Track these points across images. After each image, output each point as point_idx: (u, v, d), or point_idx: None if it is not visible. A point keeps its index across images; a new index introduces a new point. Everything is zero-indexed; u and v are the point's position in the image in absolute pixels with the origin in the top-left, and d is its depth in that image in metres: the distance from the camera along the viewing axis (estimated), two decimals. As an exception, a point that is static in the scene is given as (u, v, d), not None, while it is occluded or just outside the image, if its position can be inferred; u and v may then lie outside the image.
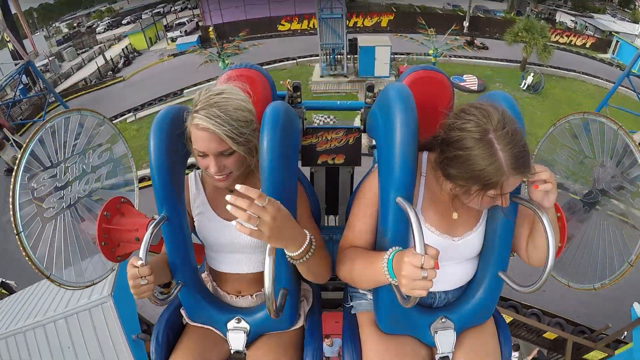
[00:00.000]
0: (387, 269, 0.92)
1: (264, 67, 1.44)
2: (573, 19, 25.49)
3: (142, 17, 28.48)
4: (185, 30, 25.72)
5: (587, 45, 22.14)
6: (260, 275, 1.24)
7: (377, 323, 1.18)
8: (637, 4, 25.22)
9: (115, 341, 4.43)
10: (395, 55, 17.71)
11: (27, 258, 1.29)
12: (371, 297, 1.24)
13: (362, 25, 24.32)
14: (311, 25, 22.78)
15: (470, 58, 18.96)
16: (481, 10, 25.21)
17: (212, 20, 24.89)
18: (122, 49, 23.90)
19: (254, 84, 1.29)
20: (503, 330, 1.25)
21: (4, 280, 7.78)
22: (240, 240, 1.20)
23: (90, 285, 1.47)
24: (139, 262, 0.98)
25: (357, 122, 1.75)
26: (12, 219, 1.27)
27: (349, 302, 1.32)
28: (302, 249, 0.95)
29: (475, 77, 17.02)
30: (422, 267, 0.80)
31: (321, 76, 17.20)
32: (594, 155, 1.50)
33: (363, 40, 17.29)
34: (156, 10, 29.89)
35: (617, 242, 1.47)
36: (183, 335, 1.26)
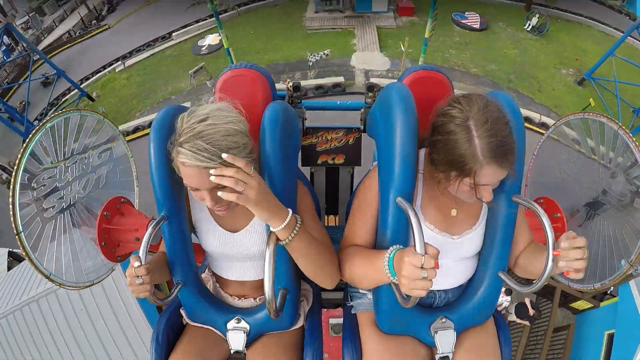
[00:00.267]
0: (388, 267, 0.92)
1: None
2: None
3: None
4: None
5: (596, -11, 20.67)
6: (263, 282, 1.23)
7: (377, 323, 1.18)
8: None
9: (126, 302, 4.66)
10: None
11: (27, 258, 1.29)
12: (371, 297, 1.24)
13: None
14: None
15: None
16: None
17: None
18: (105, -5, 21.99)
19: (254, 84, 1.29)
20: (503, 330, 1.25)
21: (11, 249, 7.74)
22: (244, 250, 1.19)
23: (90, 285, 1.47)
24: (136, 263, 0.98)
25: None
26: (12, 219, 1.27)
27: (349, 302, 1.32)
28: (286, 222, 0.93)
29: (477, 14, 15.61)
30: (422, 267, 0.80)
31: (316, 12, 15.76)
32: (594, 155, 1.50)
33: (359, -29, 15.64)
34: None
35: (617, 242, 1.48)
36: (183, 335, 1.26)
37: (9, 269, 6.65)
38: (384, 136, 1.09)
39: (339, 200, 1.93)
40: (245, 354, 1.23)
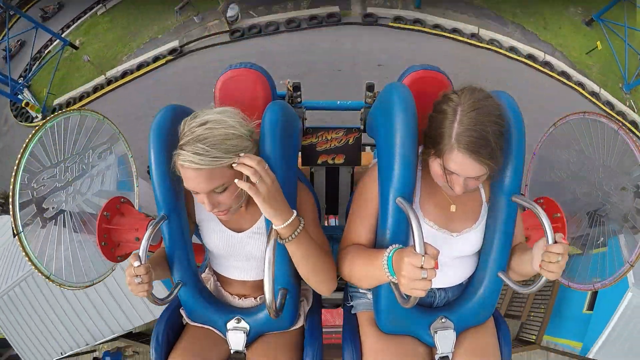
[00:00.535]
0: (387, 266, 0.92)
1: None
2: None
3: None
4: None
5: None
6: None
7: (377, 323, 1.18)
8: None
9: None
10: None
11: (27, 258, 1.29)
12: (371, 297, 1.24)
13: None
14: None
15: None
16: None
17: None
18: None
19: (254, 84, 1.29)
20: (503, 331, 1.25)
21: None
22: (247, 251, 1.19)
23: (90, 285, 1.47)
24: (135, 263, 0.99)
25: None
26: (12, 219, 1.28)
27: (349, 302, 1.32)
28: (289, 222, 0.95)
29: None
30: (422, 267, 0.80)
31: None
32: (594, 155, 1.50)
33: None
34: None
35: (617, 241, 1.48)
36: (183, 335, 1.26)
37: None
38: (384, 136, 1.09)
39: (339, 200, 1.93)
40: (245, 354, 1.23)
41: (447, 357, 1.16)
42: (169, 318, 1.26)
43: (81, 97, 8.26)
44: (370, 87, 1.60)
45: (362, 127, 1.64)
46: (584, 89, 7.51)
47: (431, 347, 1.19)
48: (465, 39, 8.22)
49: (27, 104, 8.12)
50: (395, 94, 1.05)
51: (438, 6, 8.46)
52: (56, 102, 8.40)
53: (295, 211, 0.99)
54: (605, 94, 7.51)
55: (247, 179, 0.92)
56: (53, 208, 1.37)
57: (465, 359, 1.15)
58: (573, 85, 7.51)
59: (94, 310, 5.10)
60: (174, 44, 8.75)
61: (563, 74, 7.69)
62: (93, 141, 1.52)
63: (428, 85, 1.25)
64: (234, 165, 0.94)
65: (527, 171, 1.74)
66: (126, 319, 5.15)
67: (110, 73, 8.59)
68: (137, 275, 0.98)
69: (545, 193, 1.61)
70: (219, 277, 1.31)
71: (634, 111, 7.52)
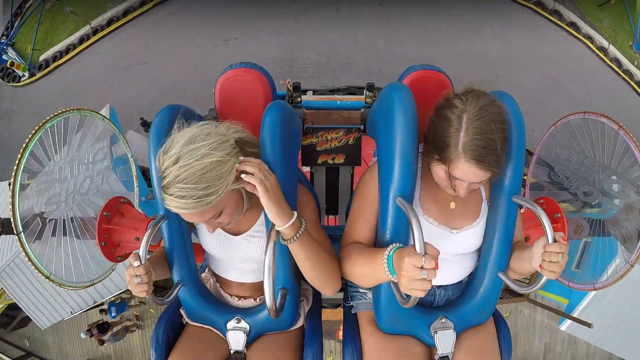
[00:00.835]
0: (387, 265, 0.91)
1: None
2: None
3: None
4: None
5: None
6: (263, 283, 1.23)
7: (377, 323, 1.18)
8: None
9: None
10: None
11: (27, 258, 1.29)
12: (371, 297, 1.24)
13: None
14: None
15: None
16: None
17: None
18: None
19: (254, 84, 1.29)
20: (503, 331, 1.25)
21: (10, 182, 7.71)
22: (244, 253, 1.19)
23: (90, 285, 1.47)
24: (135, 263, 0.99)
25: None
26: (12, 219, 1.28)
27: (349, 302, 1.32)
28: (291, 222, 0.96)
29: None
30: (422, 268, 0.80)
31: None
32: (594, 155, 1.50)
33: None
34: None
35: (617, 241, 1.48)
36: (182, 335, 1.26)
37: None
38: (384, 136, 1.09)
39: (339, 200, 1.93)
40: (245, 354, 1.23)
41: (447, 357, 1.16)
42: (169, 318, 1.26)
43: (67, 50, 7.79)
44: (370, 87, 1.60)
45: (362, 127, 1.64)
46: (592, 43, 7.08)
47: (431, 347, 1.19)
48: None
49: (12, 63, 7.76)
50: (395, 94, 1.05)
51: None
52: (42, 57, 7.98)
53: (295, 213, 0.99)
54: (614, 50, 7.08)
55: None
56: (53, 208, 1.36)
57: (465, 359, 1.15)
58: (581, 38, 7.07)
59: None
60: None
61: (572, 24, 7.17)
62: (93, 141, 1.52)
63: (428, 85, 1.25)
64: (236, 165, 0.95)
65: (527, 171, 1.74)
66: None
67: (96, 22, 7.85)
68: (137, 275, 0.98)
69: (544, 193, 1.61)
70: (218, 279, 1.31)
71: (642, 71, 7.20)
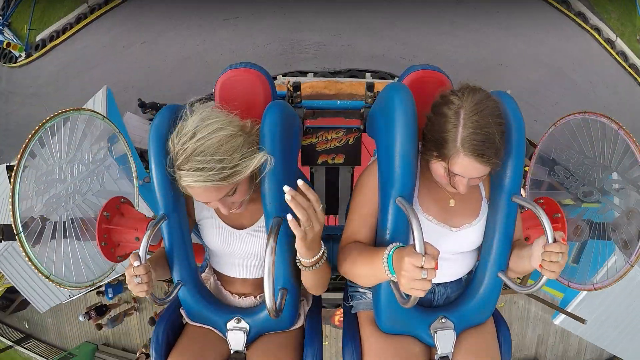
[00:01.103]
0: (387, 264, 0.91)
1: None
2: None
3: None
4: None
5: None
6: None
7: (377, 323, 1.18)
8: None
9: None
10: None
11: (27, 258, 1.29)
12: (371, 297, 1.24)
13: None
14: None
15: None
16: None
17: None
18: None
19: (254, 84, 1.29)
20: (503, 331, 1.25)
21: (8, 164, 7.65)
22: (248, 248, 1.20)
23: (89, 285, 1.47)
24: (135, 263, 0.99)
25: None
26: (12, 219, 1.28)
27: (349, 302, 1.32)
28: (317, 256, 0.97)
29: None
30: (422, 267, 0.80)
31: None
32: (594, 155, 1.50)
33: None
34: None
35: (617, 241, 1.47)
36: (183, 335, 1.26)
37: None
38: (384, 136, 1.09)
39: (339, 200, 1.93)
40: (245, 354, 1.23)
41: (447, 357, 1.16)
42: (169, 318, 1.26)
43: (64, 30, 7.54)
44: (370, 87, 1.60)
45: (362, 127, 1.64)
46: (599, 35, 6.98)
47: (431, 347, 1.18)
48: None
49: (8, 44, 7.60)
50: (395, 95, 1.05)
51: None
52: (39, 37, 7.75)
53: (324, 246, 0.99)
54: (621, 44, 7.02)
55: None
56: (53, 208, 1.36)
57: (465, 359, 1.15)
58: (589, 29, 6.99)
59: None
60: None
61: (580, 14, 7.07)
62: (93, 141, 1.52)
63: (428, 85, 1.25)
64: (287, 197, 0.82)
65: (528, 171, 1.74)
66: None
67: (78, 11, 7.66)
68: (137, 275, 0.98)
69: (544, 193, 1.61)
70: (220, 276, 1.31)
71: (648, 66, 7.15)
